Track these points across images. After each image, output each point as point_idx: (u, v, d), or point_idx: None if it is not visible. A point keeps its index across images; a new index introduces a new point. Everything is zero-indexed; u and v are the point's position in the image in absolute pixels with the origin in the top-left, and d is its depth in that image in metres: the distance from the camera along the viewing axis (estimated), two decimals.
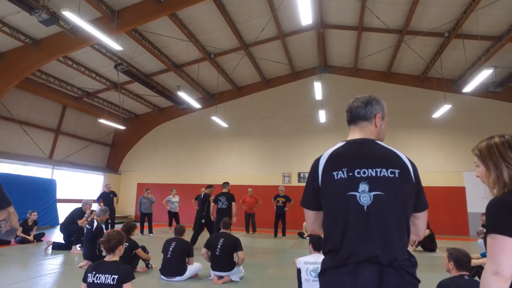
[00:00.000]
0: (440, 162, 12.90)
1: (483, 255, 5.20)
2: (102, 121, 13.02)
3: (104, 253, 3.81)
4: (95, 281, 2.74)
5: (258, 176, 14.51)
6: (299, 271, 3.69)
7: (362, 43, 11.69)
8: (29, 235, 8.10)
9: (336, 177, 1.38)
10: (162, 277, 4.96)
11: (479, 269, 4.31)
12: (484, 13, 8.74)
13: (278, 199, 11.12)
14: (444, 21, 9.55)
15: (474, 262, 4.01)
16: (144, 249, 5.57)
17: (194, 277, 5.13)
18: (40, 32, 9.22)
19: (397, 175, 1.36)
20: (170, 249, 4.99)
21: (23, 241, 7.87)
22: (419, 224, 1.45)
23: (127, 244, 4.97)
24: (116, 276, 2.74)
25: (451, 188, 12.58)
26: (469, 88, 9.62)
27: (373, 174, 1.36)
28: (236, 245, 4.95)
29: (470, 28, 9.52)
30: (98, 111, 14.55)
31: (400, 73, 13.69)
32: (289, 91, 14.90)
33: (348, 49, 12.67)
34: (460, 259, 2.81)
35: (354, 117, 1.55)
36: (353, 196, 1.34)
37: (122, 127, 13.92)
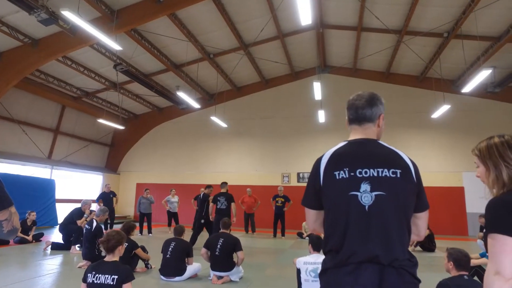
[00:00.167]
0: (439, 162, 12.93)
1: (482, 255, 5.21)
2: (101, 121, 13.00)
3: (103, 253, 3.81)
4: (95, 281, 2.74)
5: (258, 176, 14.51)
6: (298, 271, 3.69)
7: (362, 43, 11.71)
8: (28, 235, 8.08)
9: (337, 177, 1.38)
10: (162, 277, 4.96)
11: (478, 269, 4.32)
12: (483, 13, 8.76)
13: (277, 199, 11.12)
14: (443, 22, 9.56)
15: (473, 262, 4.02)
16: (143, 249, 5.57)
17: (194, 277, 5.13)
18: (39, 32, 9.21)
19: (398, 175, 1.36)
20: (170, 249, 4.98)
21: (22, 241, 7.85)
22: (420, 224, 1.45)
23: (127, 244, 4.96)
24: (116, 277, 2.74)
25: (450, 188, 12.60)
26: (468, 88, 9.64)
27: (375, 174, 1.36)
28: (235, 245, 4.95)
29: (469, 28, 9.54)
30: (97, 111, 14.53)
31: (399, 73, 13.71)
32: (288, 91, 14.90)
33: (347, 49, 12.69)
34: (459, 259, 2.82)
35: (360, 118, 1.53)
36: (355, 196, 1.35)
37: (121, 127, 13.92)
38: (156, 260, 5.51)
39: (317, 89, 10.44)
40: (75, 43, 9.21)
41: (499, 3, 8.14)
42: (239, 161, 15.00)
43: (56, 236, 9.10)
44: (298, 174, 14.19)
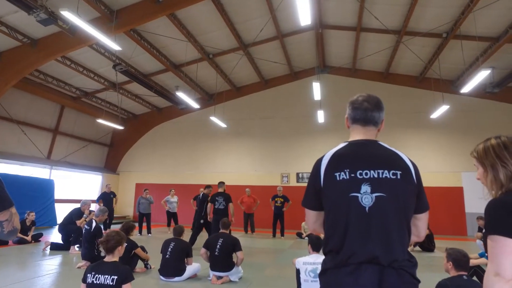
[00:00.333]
0: (438, 163, 12.94)
1: (481, 255, 5.22)
2: (100, 121, 12.99)
3: (102, 253, 3.80)
4: (95, 282, 2.74)
5: (257, 176, 14.51)
6: (298, 271, 3.70)
7: (361, 43, 11.72)
8: (27, 236, 8.07)
9: (338, 178, 1.39)
10: (161, 277, 4.96)
11: (477, 269, 4.33)
12: (482, 14, 8.78)
13: (276, 199, 11.12)
14: (442, 22, 9.58)
15: (472, 262, 4.03)
16: (143, 249, 5.57)
17: (193, 277, 5.13)
18: (38, 32, 9.19)
19: (399, 177, 1.37)
20: (169, 249, 4.98)
21: (21, 241, 7.84)
22: (420, 225, 1.46)
23: (126, 244, 4.96)
24: (116, 277, 2.74)
25: (449, 188, 12.62)
26: (467, 88, 9.67)
27: (375, 176, 1.36)
28: (235, 245, 4.95)
29: (468, 29, 9.56)
30: (97, 111, 14.51)
31: (398, 73, 13.72)
32: (287, 91, 14.91)
33: (346, 50, 12.70)
34: (458, 259, 2.82)
35: (367, 119, 1.52)
36: (355, 197, 1.35)
37: (120, 127, 13.91)
38: (155, 261, 5.51)
39: (317, 89, 10.46)
40: (74, 43, 9.20)
41: (498, 3, 8.16)
42: (239, 161, 15.00)
43: (55, 236, 9.09)
44: (298, 174, 14.20)
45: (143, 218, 10.75)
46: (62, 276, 5.22)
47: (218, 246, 4.89)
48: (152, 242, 8.54)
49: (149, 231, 10.67)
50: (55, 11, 7.33)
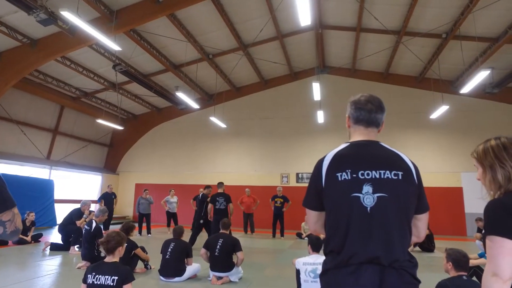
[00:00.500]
0: (437, 163, 12.96)
1: (481, 255, 5.23)
2: (100, 121, 12.99)
3: (102, 254, 3.80)
4: (95, 282, 2.74)
5: (257, 177, 14.52)
6: (298, 272, 3.70)
7: (360, 44, 11.73)
8: (27, 236, 8.06)
9: (340, 178, 1.39)
10: (161, 278, 4.96)
11: (477, 270, 4.33)
12: (482, 14, 8.79)
13: (276, 199, 11.12)
14: (442, 23, 9.60)
15: (472, 262, 4.03)
16: (143, 249, 5.57)
17: (193, 277, 5.13)
18: (38, 32, 9.19)
19: (400, 177, 1.38)
20: (169, 250, 4.98)
21: (21, 242, 7.83)
22: (420, 226, 1.47)
23: (126, 244, 4.96)
24: (116, 277, 2.74)
25: (449, 188, 12.63)
26: (466, 89, 9.68)
27: (377, 176, 1.37)
28: (235, 245, 4.96)
29: (467, 29, 9.58)
30: (96, 111, 14.51)
31: (398, 74, 13.74)
32: (287, 91, 14.92)
33: (346, 50, 12.71)
34: (458, 259, 2.83)
35: (370, 121, 1.52)
36: (357, 197, 1.35)
37: (120, 128, 13.91)
38: (155, 261, 5.51)
39: (316, 90, 10.47)
40: (74, 43, 9.20)
41: (497, 4, 8.18)
42: (238, 161, 15.01)
43: (55, 236, 9.09)
44: (297, 174, 14.20)
45: (143, 218, 10.75)
46: (62, 277, 5.22)
47: (218, 247, 4.89)
48: (152, 242, 8.54)
49: (149, 232, 10.67)
50: (55, 11, 7.33)
